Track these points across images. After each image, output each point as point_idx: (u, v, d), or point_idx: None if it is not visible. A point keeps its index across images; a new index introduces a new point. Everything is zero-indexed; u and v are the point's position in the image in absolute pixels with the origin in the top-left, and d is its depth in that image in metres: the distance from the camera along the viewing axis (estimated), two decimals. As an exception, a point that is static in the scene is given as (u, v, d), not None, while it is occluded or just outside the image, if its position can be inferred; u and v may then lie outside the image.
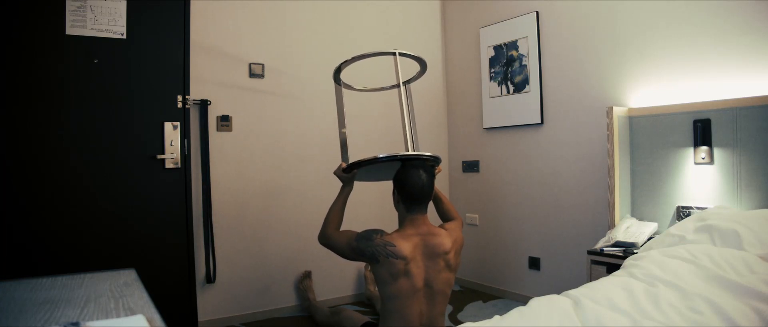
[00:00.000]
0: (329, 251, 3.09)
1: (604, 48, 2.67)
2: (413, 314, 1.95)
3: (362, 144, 3.13)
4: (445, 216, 2.28)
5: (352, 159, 2.19)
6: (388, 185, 2.28)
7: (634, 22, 2.53)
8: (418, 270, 1.94)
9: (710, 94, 2.22)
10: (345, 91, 2.42)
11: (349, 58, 2.23)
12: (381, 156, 2.00)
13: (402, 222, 2.05)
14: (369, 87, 2.72)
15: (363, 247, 1.94)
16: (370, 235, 1.96)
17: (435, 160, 2.11)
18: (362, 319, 2.34)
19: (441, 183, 3.14)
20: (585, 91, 2.77)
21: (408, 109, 2.24)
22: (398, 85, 2.15)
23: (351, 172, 2.13)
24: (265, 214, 2.93)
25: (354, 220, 2.83)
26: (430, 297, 1.97)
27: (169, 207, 2.35)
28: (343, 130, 2.32)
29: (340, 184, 2.23)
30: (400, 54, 2.17)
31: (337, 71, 2.28)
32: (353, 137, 2.80)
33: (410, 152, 2.06)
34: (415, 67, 2.40)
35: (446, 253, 1.97)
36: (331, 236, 2.12)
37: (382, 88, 2.66)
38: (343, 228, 2.18)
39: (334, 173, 2.19)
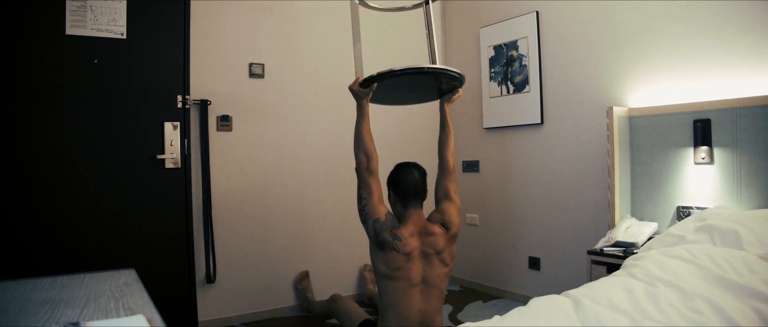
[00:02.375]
0: (329, 251, 3.11)
1: (604, 48, 2.67)
2: (411, 311, 1.97)
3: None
4: (442, 150, 2.19)
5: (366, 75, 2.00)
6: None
7: (634, 22, 2.53)
8: (415, 266, 1.98)
9: (710, 94, 2.22)
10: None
11: None
12: (398, 69, 1.86)
13: (401, 218, 2.07)
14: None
15: (378, 230, 1.96)
16: (389, 226, 1.97)
17: (460, 77, 2.01)
18: (359, 310, 2.35)
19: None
20: (585, 91, 2.77)
21: (432, 28, 2.05)
22: (425, 3, 2.03)
23: (368, 87, 2.00)
24: (265, 214, 2.93)
25: (353, 220, 2.82)
26: (426, 293, 2.00)
27: (169, 207, 2.35)
28: (357, 45, 2.12)
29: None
30: None
31: None
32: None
33: (432, 65, 1.91)
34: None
35: (440, 252, 2.02)
36: (372, 174, 2.01)
37: (402, 9, 2.51)
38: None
39: (349, 88, 2.04)
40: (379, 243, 1.97)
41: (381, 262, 1.98)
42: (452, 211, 2.08)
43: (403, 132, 3.43)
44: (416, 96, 2.40)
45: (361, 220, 2.03)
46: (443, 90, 2.17)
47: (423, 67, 1.88)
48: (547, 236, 2.98)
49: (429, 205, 2.14)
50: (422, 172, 2.11)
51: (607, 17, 2.65)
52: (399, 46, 3.41)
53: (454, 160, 2.21)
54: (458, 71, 1.97)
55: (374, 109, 3.30)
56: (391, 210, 2.12)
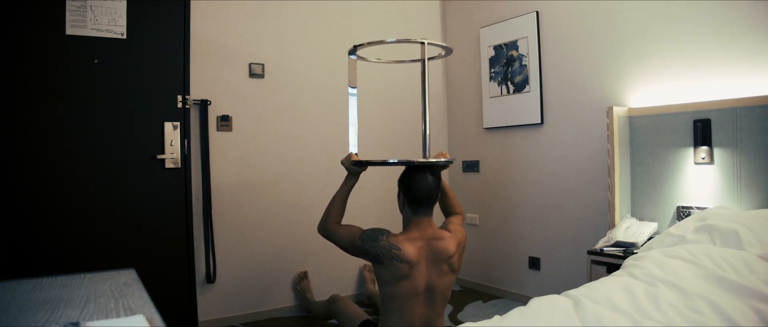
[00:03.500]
0: (328, 251, 3.11)
1: (604, 48, 2.67)
2: (414, 315, 1.95)
3: (369, 130, 3.13)
4: (448, 210, 2.26)
5: (361, 150, 2.10)
6: (389, 187, 2.27)
7: (634, 22, 2.53)
8: (420, 273, 1.93)
9: (710, 94, 2.22)
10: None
11: (367, 42, 2.10)
12: (391, 160, 2.01)
13: (407, 224, 2.03)
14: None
15: (367, 248, 1.93)
16: (376, 235, 1.94)
17: (447, 164, 2.09)
18: (359, 311, 2.34)
19: (441, 183, 3.19)
20: (585, 91, 2.77)
21: (428, 100, 2.11)
22: (423, 62, 2.00)
23: (360, 167, 2.09)
24: (265, 214, 2.93)
25: (353, 221, 2.82)
26: (430, 299, 1.97)
27: (169, 207, 2.34)
28: (353, 120, 2.19)
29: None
30: (429, 43, 2.03)
31: (353, 51, 2.17)
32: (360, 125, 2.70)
33: (423, 160, 1.99)
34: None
35: (450, 257, 1.96)
36: (333, 230, 2.09)
37: (401, 62, 2.59)
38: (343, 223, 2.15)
39: (342, 163, 2.12)
40: (376, 259, 1.92)
41: (385, 273, 1.93)
42: (460, 230, 2.08)
43: (405, 133, 3.43)
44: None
45: (354, 255, 2.05)
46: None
47: (414, 162, 1.98)
48: (547, 236, 2.98)
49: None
50: (437, 177, 2.03)
51: (607, 17, 2.65)
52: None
53: (461, 209, 2.27)
54: (446, 161, 2.04)
55: (372, 119, 3.30)
56: (400, 211, 2.10)
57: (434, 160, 1.99)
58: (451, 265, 1.97)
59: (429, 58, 2.11)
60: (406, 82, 3.39)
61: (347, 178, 2.15)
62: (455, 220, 2.15)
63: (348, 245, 2.03)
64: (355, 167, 2.09)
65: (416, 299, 1.94)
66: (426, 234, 1.97)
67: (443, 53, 2.28)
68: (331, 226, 2.11)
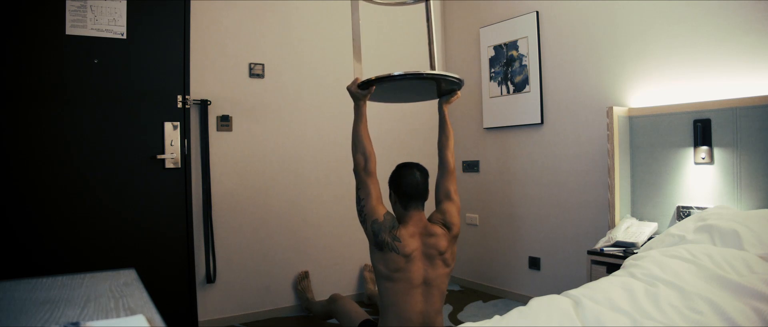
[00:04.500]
0: (329, 251, 3.11)
1: (604, 48, 2.67)
2: (412, 312, 1.96)
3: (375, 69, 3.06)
4: (442, 149, 2.21)
5: (366, 76, 2.00)
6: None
7: (633, 22, 2.53)
8: (416, 267, 1.97)
9: (710, 94, 2.22)
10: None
11: None
12: (396, 73, 1.87)
13: (402, 219, 2.07)
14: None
15: (377, 230, 1.97)
16: (388, 227, 1.98)
17: (458, 81, 2.04)
18: (359, 310, 2.35)
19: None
20: (585, 91, 2.77)
21: (432, 26, 2.05)
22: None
23: (366, 89, 2.01)
24: (265, 214, 2.93)
25: (353, 220, 2.83)
26: (427, 294, 2.00)
27: (169, 207, 2.35)
28: (357, 44, 2.10)
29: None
30: None
31: None
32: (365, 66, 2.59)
33: (431, 72, 1.90)
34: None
35: (442, 253, 2.01)
36: (372, 171, 2.03)
37: (404, 3, 2.55)
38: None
39: (347, 88, 2.06)
40: (378, 244, 1.97)
41: (380, 263, 1.98)
42: (453, 212, 2.09)
43: (403, 132, 3.43)
44: (415, 96, 2.43)
45: (360, 220, 2.05)
46: (442, 91, 2.18)
47: (422, 73, 1.88)
48: (547, 236, 2.98)
49: (429, 205, 2.14)
50: (424, 173, 2.10)
51: (607, 17, 2.65)
52: (398, 43, 3.41)
53: (454, 160, 2.22)
54: (457, 76, 1.98)
55: (373, 109, 3.30)
56: (391, 210, 2.12)
57: (443, 73, 1.92)
58: (444, 260, 2.02)
59: None
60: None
61: (356, 106, 2.08)
62: (451, 207, 2.10)
63: (368, 208, 2.00)
64: (360, 90, 2.02)
65: (414, 293, 1.97)
66: (419, 228, 2.03)
67: None
68: (372, 166, 2.03)
